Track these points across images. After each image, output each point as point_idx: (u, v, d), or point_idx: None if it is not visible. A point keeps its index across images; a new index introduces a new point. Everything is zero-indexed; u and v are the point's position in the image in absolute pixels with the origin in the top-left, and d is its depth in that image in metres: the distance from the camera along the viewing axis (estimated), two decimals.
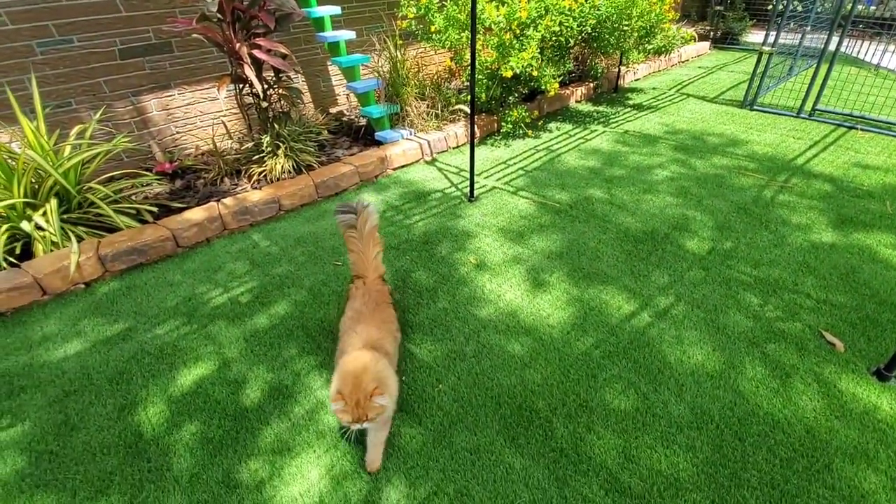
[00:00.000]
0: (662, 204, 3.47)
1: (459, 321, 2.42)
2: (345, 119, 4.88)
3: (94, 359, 2.29)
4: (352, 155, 4.08)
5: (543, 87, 4.22)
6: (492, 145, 4.56)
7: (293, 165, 3.78)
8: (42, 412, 2.04)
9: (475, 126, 3.35)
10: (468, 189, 3.61)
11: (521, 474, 1.73)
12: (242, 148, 3.97)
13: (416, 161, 4.24)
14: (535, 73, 3.98)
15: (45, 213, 2.83)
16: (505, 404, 1.98)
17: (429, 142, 4.23)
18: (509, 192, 3.68)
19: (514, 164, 4.17)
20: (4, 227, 2.72)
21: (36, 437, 1.94)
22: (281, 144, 3.77)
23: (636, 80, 6.85)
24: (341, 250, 3.02)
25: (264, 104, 3.63)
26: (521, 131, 4.69)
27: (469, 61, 4.09)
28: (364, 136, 4.47)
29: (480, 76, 4.22)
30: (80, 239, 2.88)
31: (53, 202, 2.86)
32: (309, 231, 3.25)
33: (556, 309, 2.48)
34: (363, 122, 4.70)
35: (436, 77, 4.97)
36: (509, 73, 3.87)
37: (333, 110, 5.02)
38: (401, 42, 4.38)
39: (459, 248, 2.99)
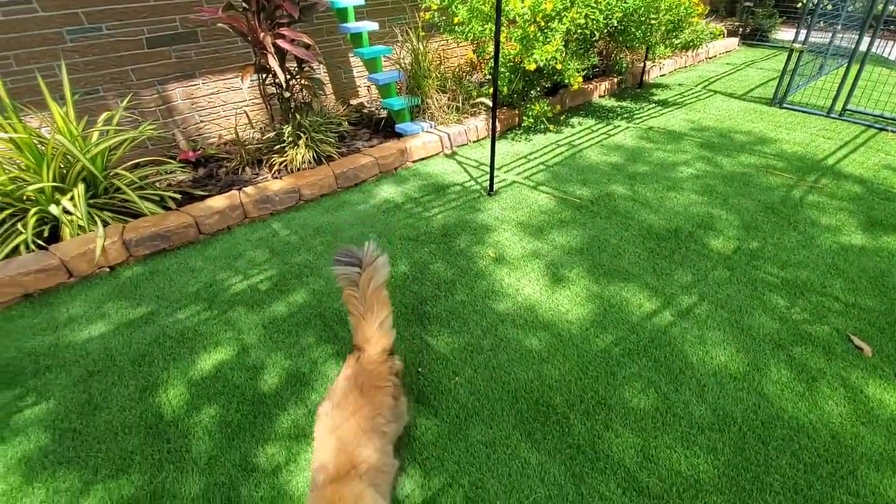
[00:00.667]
0: (687, 202, 3.39)
1: (477, 314, 2.40)
2: (365, 111, 4.88)
3: (118, 341, 2.34)
4: (372, 147, 4.08)
5: (567, 81, 4.16)
6: (512, 139, 4.52)
7: (314, 156, 3.79)
8: (66, 391, 2.08)
9: (496, 119, 3.32)
10: (488, 183, 3.58)
11: (537, 469, 1.71)
12: (264, 138, 4.00)
13: (436, 154, 4.23)
14: (558, 67, 3.92)
15: (72, 198, 2.89)
16: (522, 399, 1.96)
17: (449, 135, 4.21)
18: (529, 186, 3.64)
19: (535, 158, 4.12)
20: (34, 210, 2.79)
21: (60, 415, 1.98)
22: (302, 135, 3.78)
23: (662, 76, 6.70)
24: (361, 240, 3.02)
25: (286, 94, 3.65)
26: (542, 126, 4.63)
27: (492, 54, 4.05)
28: (384, 128, 4.47)
29: (503, 69, 4.18)
30: (105, 224, 2.94)
31: (81, 187, 2.93)
32: (328, 221, 3.26)
33: (575, 305, 2.44)
34: (384, 114, 4.69)
35: (457, 70, 4.93)
36: (533, 66, 3.82)
37: (354, 102, 5.02)
38: (423, 34, 4.35)
39: (478, 242, 2.97)
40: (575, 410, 1.91)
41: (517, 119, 4.72)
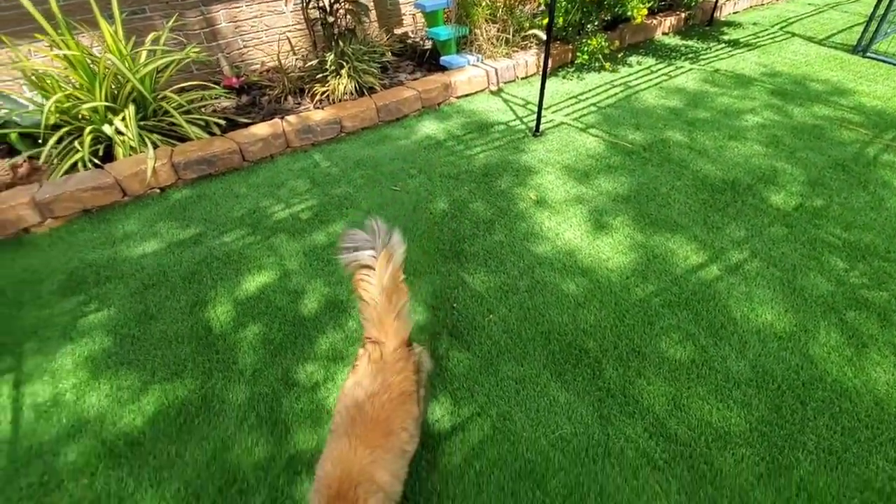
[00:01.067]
0: (749, 153, 3.16)
1: (515, 255, 2.37)
2: (409, 41, 4.67)
3: (169, 259, 2.46)
4: (415, 80, 3.94)
5: (629, 14, 3.82)
6: (563, 77, 4.25)
7: (356, 87, 3.70)
8: (124, 301, 2.23)
9: (549, 54, 3.10)
10: (534, 123, 3.43)
11: (565, 408, 1.74)
12: (306, 66, 3.92)
13: (482, 90, 4.04)
14: None
15: (123, 119, 2.96)
16: (555, 340, 1.97)
17: (496, 70, 4.00)
18: (578, 128, 3.46)
19: (587, 99, 3.88)
20: (89, 129, 2.88)
21: (120, 322, 2.14)
22: (344, 64, 3.68)
23: (735, 13, 6.06)
24: (400, 176, 2.99)
25: (330, 19, 3.52)
26: (597, 64, 4.32)
27: None
28: (428, 60, 4.29)
29: None
30: (155, 146, 3.01)
31: (131, 108, 2.98)
32: (368, 154, 3.23)
33: (616, 253, 2.38)
34: (428, 45, 4.48)
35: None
36: None
37: (398, 31, 4.81)
38: None
39: (520, 183, 2.88)
40: (608, 356, 1.90)
41: (570, 55, 4.42)
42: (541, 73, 4.08)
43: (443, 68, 4.09)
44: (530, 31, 4.26)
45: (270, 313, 2.14)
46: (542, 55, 4.20)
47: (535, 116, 3.39)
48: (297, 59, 4.14)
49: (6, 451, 1.68)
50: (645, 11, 3.77)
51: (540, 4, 4.51)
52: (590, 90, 4.02)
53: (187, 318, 2.13)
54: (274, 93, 3.80)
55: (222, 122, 3.34)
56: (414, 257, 2.38)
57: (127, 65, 2.98)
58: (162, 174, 2.90)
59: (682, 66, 4.47)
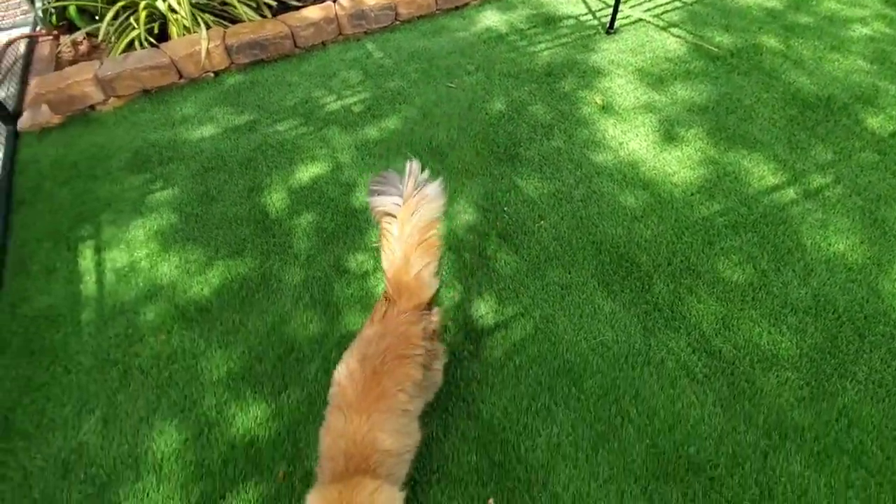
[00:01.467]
0: (850, 67, 2.76)
1: (572, 163, 2.26)
2: None
3: (226, 144, 2.49)
4: None
5: None
6: None
7: None
8: (186, 182, 2.32)
9: None
10: (608, 18, 3.07)
11: (609, 317, 1.74)
12: None
13: None
14: None
15: None
16: (605, 252, 1.92)
17: None
18: (658, 27, 3.09)
19: None
20: (143, 3, 2.81)
21: (183, 201, 2.24)
22: None
23: None
24: (456, 71, 2.82)
25: None
26: None
27: None
28: None
29: None
30: (207, 26, 2.92)
31: None
32: (423, 46, 3.04)
33: (684, 167, 2.22)
34: None
35: None
36: None
37: None
38: None
39: (585, 86, 2.66)
40: (660, 271, 1.86)
41: None
42: None
43: None
44: None
45: (323, 203, 2.18)
46: None
47: (609, 11, 3.04)
48: None
49: (94, 306, 1.89)
50: None
51: None
52: None
53: (245, 202, 2.21)
54: None
55: (273, 2, 3.18)
56: (467, 158, 2.31)
57: None
58: (215, 56, 2.85)
59: None
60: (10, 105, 2.72)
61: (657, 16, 3.18)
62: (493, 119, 2.50)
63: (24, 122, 2.65)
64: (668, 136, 2.36)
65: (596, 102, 2.55)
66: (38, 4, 3.23)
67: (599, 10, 3.27)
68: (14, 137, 2.60)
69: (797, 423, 1.50)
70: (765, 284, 1.82)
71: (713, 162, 2.24)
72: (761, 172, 2.19)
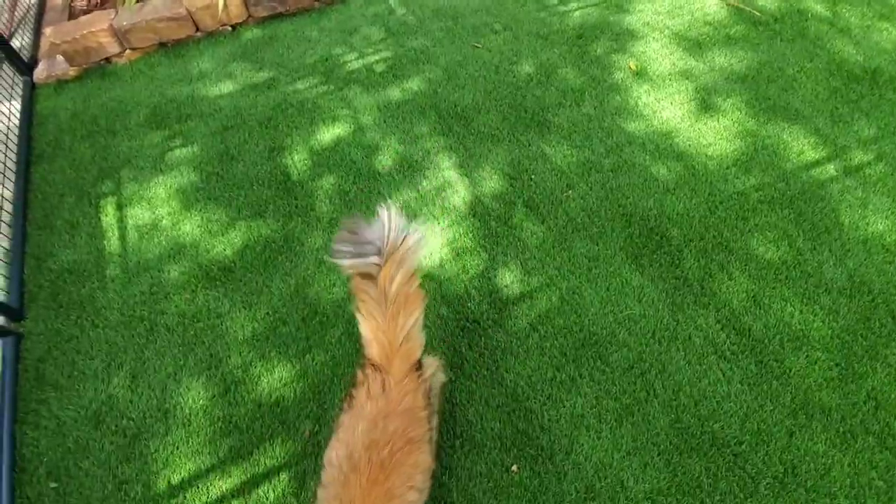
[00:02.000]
0: None
1: (602, 131, 2.18)
2: None
3: (245, 101, 2.43)
4: None
5: None
6: None
7: None
8: (206, 140, 2.28)
9: None
10: None
11: (637, 290, 1.71)
12: None
13: None
14: None
15: None
16: (635, 224, 1.88)
17: None
18: None
19: None
20: None
21: (203, 160, 2.20)
22: None
23: None
24: (483, 31, 2.70)
25: None
26: None
27: None
28: None
29: None
30: None
31: None
32: (448, 3, 2.89)
33: (720, 139, 2.13)
34: None
35: None
36: None
37: None
38: None
39: (618, 50, 2.54)
40: (691, 246, 1.81)
41: None
42: None
43: None
44: None
45: (345, 166, 2.14)
46: None
47: None
48: None
49: (119, 263, 1.89)
50: None
51: None
52: None
53: (266, 163, 2.17)
54: None
55: None
56: (493, 122, 2.24)
57: None
58: (233, 9, 2.74)
59: None
60: (26, 55, 2.66)
61: None
62: (520, 82, 2.41)
63: (39, 74, 2.60)
64: (705, 105, 2.26)
65: (629, 67, 2.44)
66: None
67: None
68: (31, 88, 2.56)
69: (824, 403, 1.49)
70: (799, 263, 1.77)
71: (751, 134, 2.14)
72: (801, 147, 2.10)
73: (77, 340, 1.71)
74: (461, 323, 1.68)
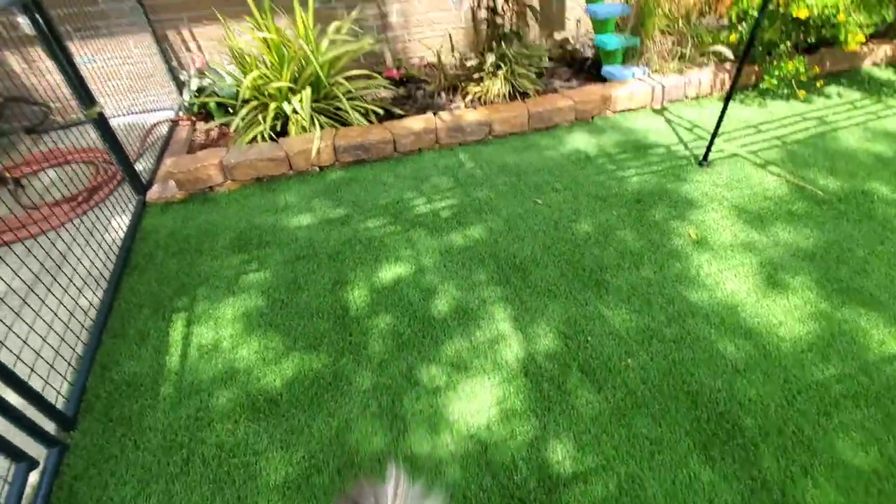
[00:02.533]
0: None
1: (663, 298, 2.15)
2: (569, 48, 4.50)
3: (319, 234, 2.65)
4: (570, 88, 3.78)
5: (840, 39, 3.24)
6: (742, 102, 3.77)
7: (510, 90, 3.66)
8: (279, 267, 2.45)
9: (740, 72, 2.75)
10: (701, 150, 3.09)
11: (708, 489, 1.52)
12: (467, 65, 3.96)
13: (643, 107, 3.75)
14: (840, 18, 3.04)
15: (300, 99, 3.24)
16: (702, 406, 1.74)
17: (663, 86, 3.68)
18: (755, 163, 3.04)
19: (769, 130, 3.40)
20: (273, 105, 3.21)
21: (272, 286, 2.35)
22: (503, 65, 3.65)
23: None
24: (544, 188, 2.89)
25: (498, 20, 3.50)
26: (786, 90, 3.76)
27: None
28: (588, 69, 4.09)
29: (751, 10, 3.41)
30: (321, 127, 3.26)
31: (308, 90, 3.25)
32: (514, 161, 3.17)
33: (791, 319, 2.03)
34: (588, 53, 4.29)
35: (692, 8, 4.19)
36: (804, 14, 3.03)
37: (558, 36, 4.67)
38: None
39: (678, 217, 2.61)
40: (768, 442, 1.63)
41: (754, 77, 3.91)
42: (715, 94, 3.69)
43: (603, 79, 3.87)
44: (713, 47, 3.84)
45: (402, 307, 2.19)
46: (721, 75, 3.78)
47: (702, 143, 3.06)
48: (455, 57, 4.22)
49: (174, 381, 1.94)
50: (862, 38, 3.18)
51: (724, 17, 4.03)
52: (774, 120, 3.51)
53: (328, 295, 2.27)
54: (429, 88, 3.92)
55: (380, 111, 3.51)
56: (551, 277, 2.28)
57: (311, 48, 3.26)
58: (324, 154, 3.13)
59: (895, 107, 3.72)
60: (145, 178, 3.10)
61: (753, 152, 3.14)
62: (579, 240, 2.49)
63: (152, 194, 2.99)
64: (771, 280, 2.21)
65: (689, 235, 2.48)
66: (186, 96, 3.79)
67: (692, 141, 3.30)
68: (142, 206, 2.93)
69: None
70: (892, 475, 1.53)
71: (825, 317, 2.03)
72: (881, 336, 1.95)
73: (116, 461, 1.70)
74: (506, 500, 1.53)
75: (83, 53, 3.25)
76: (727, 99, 2.80)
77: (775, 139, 3.28)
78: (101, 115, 2.65)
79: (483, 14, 3.64)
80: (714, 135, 2.93)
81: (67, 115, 3.75)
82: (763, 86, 3.68)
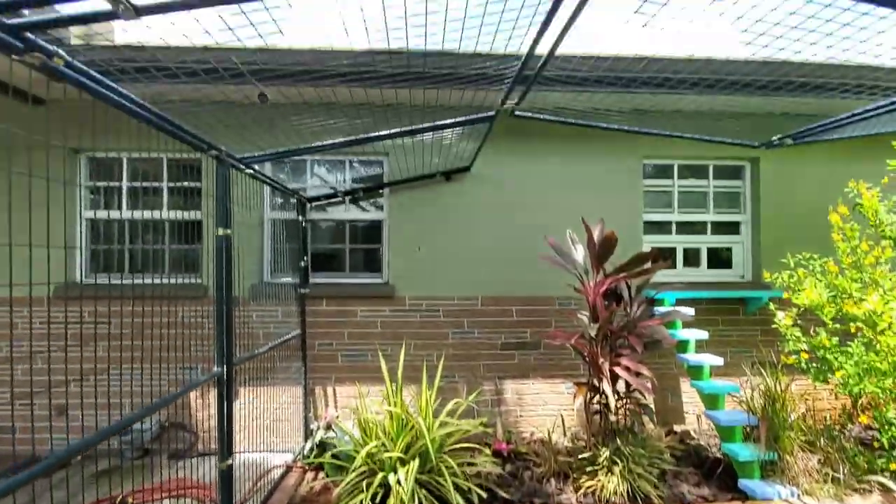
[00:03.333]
0: None
1: None
2: (691, 443, 4.22)
3: None
4: (703, 498, 3.32)
5: None
6: None
7: (628, 490, 3.32)
8: None
9: None
10: None
11: None
12: (579, 457, 3.82)
13: None
14: None
15: (407, 471, 3.26)
16: None
17: None
18: None
19: None
20: (380, 475, 3.25)
21: None
22: (618, 462, 3.45)
23: None
24: None
25: (612, 417, 3.54)
26: None
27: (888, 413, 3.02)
28: (721, 475, 3.66)
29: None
30: (420, 502, 3.12)
31: (416, 462, 3.30)
32: None
33: None
34: (716, 452, 3.94)
35: (831, 421, 3.89)
36: None
37: (678, 428, 4.48)
38: (782, 377, 3.74)
39: None
40: None
41: None
42: None
43: (742, 494, 3.37)
44: (873, 477, 3.29)
45: None
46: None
47: None
48: (566, 439, 4.17)
49: None
50: None
51: (877, 424, 3.56)
52: None
53: None
54: (538, 470, 3.75)
55: (483, 494, 3.33)
56: None
57: (427, 423, 3.49)
58: None
59: None
60: None
61: None
62: None
63: None
64: None
65: None
66: (308, 444, 4.08)
67: None
68: None
69: None
70: None
71: None
72: None
73: None
74: None
75: (242, 394, 3.87)
76: None
77: None
78: (230, 466, 2.89)
79: (596, 407, 3.75)
80: None
81: (207, 444, 4.20)
82: None
